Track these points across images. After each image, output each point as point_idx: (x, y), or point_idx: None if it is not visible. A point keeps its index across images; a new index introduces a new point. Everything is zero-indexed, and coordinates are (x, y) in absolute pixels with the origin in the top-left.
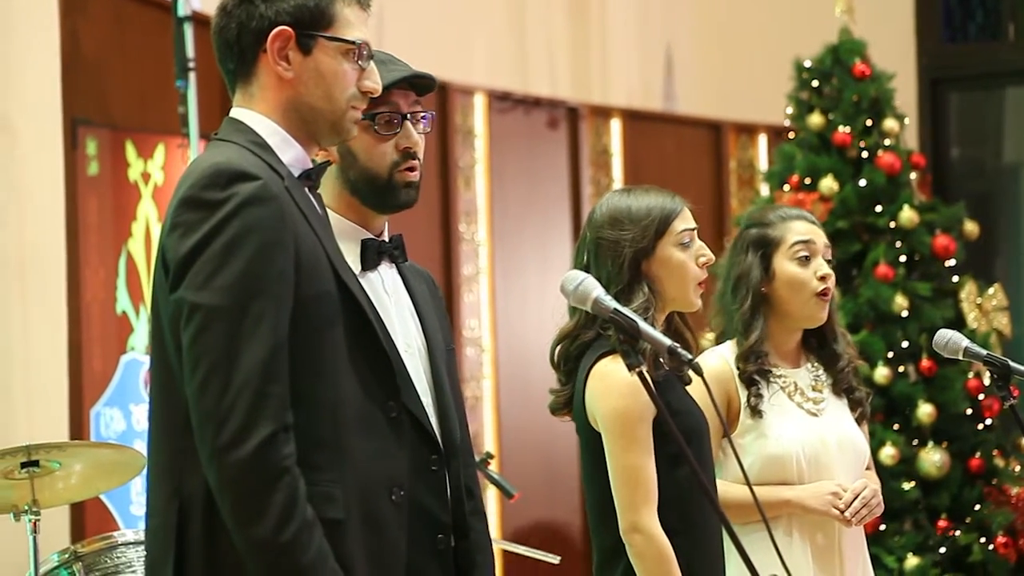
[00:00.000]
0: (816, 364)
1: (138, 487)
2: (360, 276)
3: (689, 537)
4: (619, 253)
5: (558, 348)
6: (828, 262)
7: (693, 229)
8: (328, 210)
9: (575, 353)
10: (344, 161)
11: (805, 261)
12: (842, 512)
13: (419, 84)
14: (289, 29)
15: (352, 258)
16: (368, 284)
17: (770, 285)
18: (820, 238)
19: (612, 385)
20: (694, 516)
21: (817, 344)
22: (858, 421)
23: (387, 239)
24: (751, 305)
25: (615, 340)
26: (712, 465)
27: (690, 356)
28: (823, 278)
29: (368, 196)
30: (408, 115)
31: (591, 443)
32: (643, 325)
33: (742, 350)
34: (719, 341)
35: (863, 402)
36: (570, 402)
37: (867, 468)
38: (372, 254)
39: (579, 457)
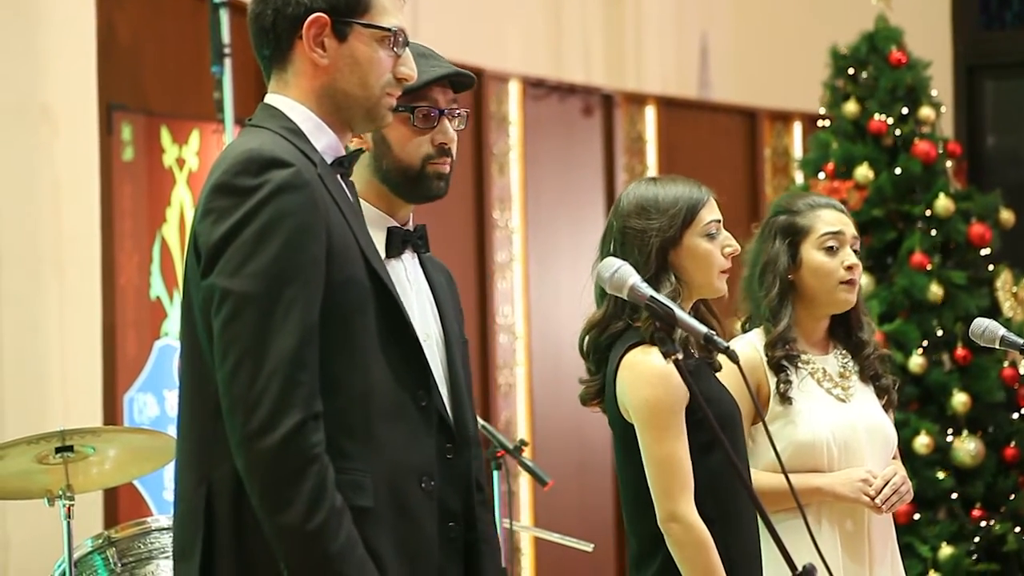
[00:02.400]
0: (843, 351)
1: (171, 472)
2: (384, 263)
3: (726, 525)
4: (646, 242)
5: (587, 338)
6: (855, 252)
7: (719, 220)
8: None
9: (605, 343)
10: (378, 150)
11: (832, 251)
12: (872, 499)
13: (458, 82)
14: (325, 16)
15: (377, 245)
16: (391, 272)
17: (797, 273)
18: (849, 229)
19: (642, 375)
20: (729, 503)
21: (843, 332)
22: (885, 408)
23: (412, 228)
24: (778, 292)
25: (646, 329)
26: (745, 452)
27: (726, 343)
28: (850, 268)
29: (399, 186)
30: (445, 111)
31: (624, 434)
32: (679, 312)
33: (771, 337)
34: (745, 327)
35: (890, 389)
36: (600, 392)
37: (893, 457)
38: (397, 242)
39: (612, 448)
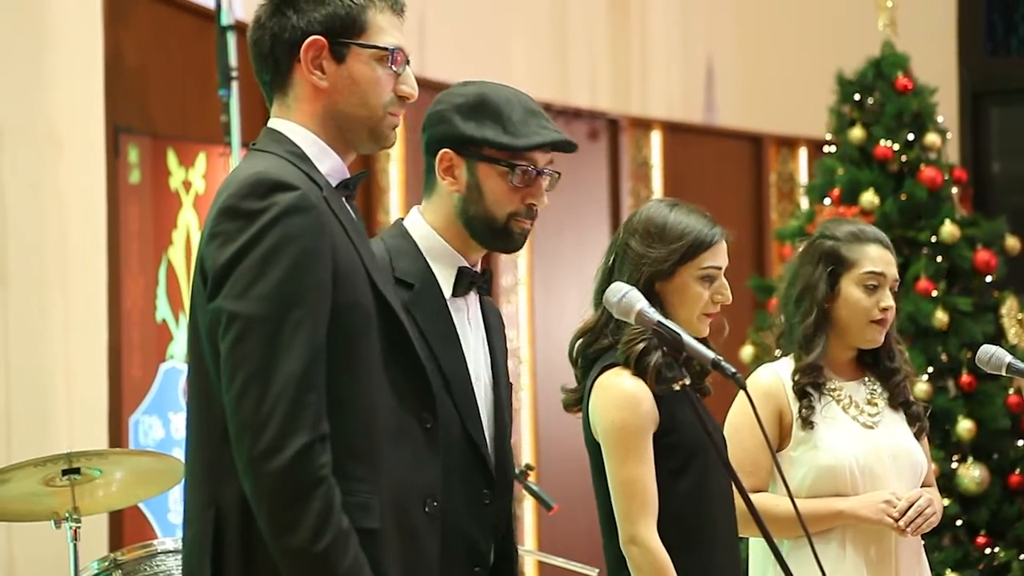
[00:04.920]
0: (872, 378)
1: (176, 495)
2: (449, 301)
3: (688, 552)
4: (638, 268)
5: (578, 343)
6: (893, 293)
7: (720, 267)
8: (433, 232)
9: (591, 355)
10: (470, 195)
11: (872, 290)
12: (896, 520)
13: (560, 146)
14: (322, 38)
15: (446, 282)
16: (455, 310)
17: (832, 303)
18: (891, 270)
19: (612, 398)
20: (695, 532)
21: (872, 359)
22: (917, 436)
23: (479, 271)
24: (815, 320)
25: (623, 352)
26: (719, 478)
27: (733, 369)
28: (884, 309)
29: (480, 233)
30: (542, 171)
31: (595, 455)
32: (687, 337)
33: (801, 364)
34: (779, 341)
35: (921, 416)
36: (580, 400)
37: (927, 484)
38: (465, 282)
39: (590, 470)
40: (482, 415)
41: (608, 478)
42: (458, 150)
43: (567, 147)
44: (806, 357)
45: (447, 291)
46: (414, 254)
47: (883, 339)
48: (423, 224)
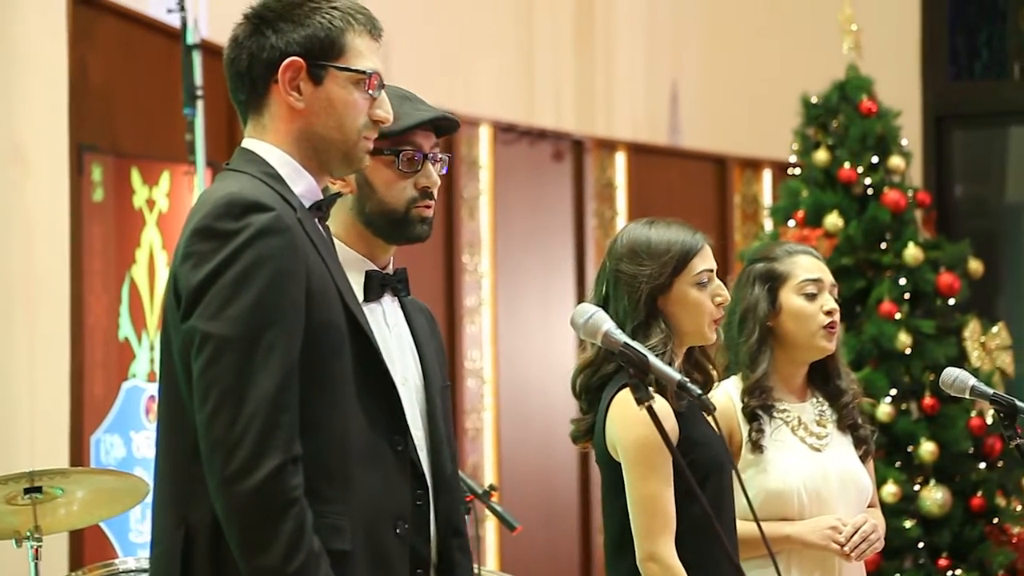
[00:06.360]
0: (821, 399)
1: (137, 515)
2: (362, 306)
3: (704, 572)
4: (636, 288)
5: (580, 378)
6: (835, 300)
7: (711, 269)
8: (336, 240)
9: (596, 384)
10: (361, 192)
11: (812, 297)
12: (842, 546)
13: (441, 126)
14: (300, 60)
15: (356, 288)
16: (370, 315)
17: (776, 319)
18: (827, 276)
19: (635, 414)
20: (708, 551)
21: (821, 380)
22: (863, 458)
23: (391, 272)
24: (758, 338)
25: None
26: (732, 497)
27: (699, 391)
28: (829, 312)
29: (382, 228)
30: (429, 155)
31: (611, 474)
32: (652, 359)
33: (748, 384)
34: (724, 375)
35: (868, 439)
36: (590, 431)
37: (871, 505)
38: (376, 286)
39: (586, 481)
40: (412, 417)
41: (628, 494)
42: None
43: (447, 123)
44: (752, 375)
45: (359, 297)
46: None
47: (834, 346)
48: None
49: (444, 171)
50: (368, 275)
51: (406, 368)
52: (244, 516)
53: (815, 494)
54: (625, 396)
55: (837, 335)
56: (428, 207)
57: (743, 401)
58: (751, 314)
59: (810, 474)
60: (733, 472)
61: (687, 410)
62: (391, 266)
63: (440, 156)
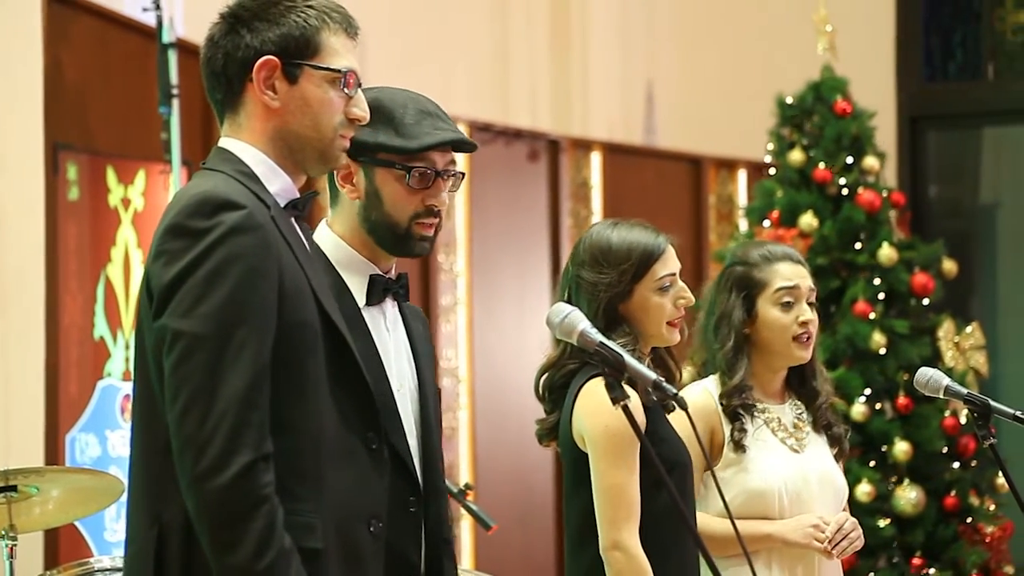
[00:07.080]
0: (798, 401)
1: (112, 514)
2: (364, 310)
3: (662, 564)
4: (595, 296)
5: (543, 378)
6: (812, 305)
7: (673, 273)
8: (341, 241)
9: (560, 382)
10: (369, 201)
11: (788, 307)
12: (825, 543)
13: (459, 148)
14: (275, 58)
15: (358, 291)
16: (371, 319)
17: (752, 326)
18: (805, 281)
19: (603, 403)
20: (668, 544)
21: (798, 382)
22: (837, 458)
23: (394, 277)
24: (733, 345)
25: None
26: (693, 496)
27: (675, 390)
28: (804, 323)
29: (383, 239)
30: (442, 173)
31: (576, 463)
32: (628, 358)
33: (726, 388)
34: (701, 373)
35: (842, 439)
36: (555, 430)
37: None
38: (378, 290)
39: (563, 479)
40: (407, 423)
41: (594, 483)
42: (354, 157)
43: (464, 146)
44: (730, 380)
45: (360, 300)
46: (324, 266)
47: (809, 355)
48: (331, 235)
49: (455, 189)
50: (372, 279)
51: (402, 374)
52: (214, 514)
53: (795, 495)
54: (593, 386)
55: (813, 343)
56: (431, 225)
57: (723, 402)
58: (726, 321)
59: (791, 475)
60: (708, 473)
61: (653, 406)
62: (393, 271)
63: (453, 172)
